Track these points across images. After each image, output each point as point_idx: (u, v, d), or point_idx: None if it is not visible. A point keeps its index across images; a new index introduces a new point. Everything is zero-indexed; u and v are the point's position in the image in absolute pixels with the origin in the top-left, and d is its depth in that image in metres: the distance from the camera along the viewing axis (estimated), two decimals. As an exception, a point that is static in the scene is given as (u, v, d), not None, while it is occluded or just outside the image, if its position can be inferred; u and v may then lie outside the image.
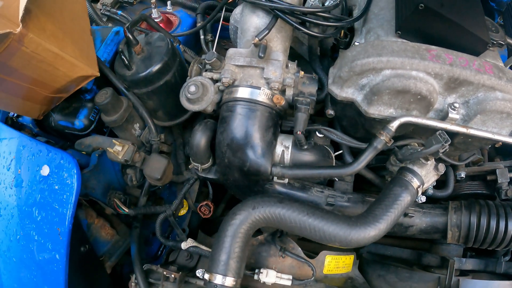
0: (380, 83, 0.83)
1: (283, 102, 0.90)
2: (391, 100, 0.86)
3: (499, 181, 1.14)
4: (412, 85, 0.83)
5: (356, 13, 1.06)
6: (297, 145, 0.91)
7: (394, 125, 0.86)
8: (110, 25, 1.26)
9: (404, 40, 0.91)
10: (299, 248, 0.95)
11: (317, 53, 1.04)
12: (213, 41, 1.23)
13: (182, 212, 1.13)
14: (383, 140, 0.86)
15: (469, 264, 1.15)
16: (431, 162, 0.94)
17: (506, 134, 0.97)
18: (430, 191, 1.10)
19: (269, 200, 0.85)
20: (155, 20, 1.24)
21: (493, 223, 0.99)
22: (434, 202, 1.13)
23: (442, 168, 0.96)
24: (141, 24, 1.23)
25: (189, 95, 0.90)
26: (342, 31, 1.03)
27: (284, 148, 0.91)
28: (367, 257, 1.27)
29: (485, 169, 1.18)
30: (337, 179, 1.01)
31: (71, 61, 0.91)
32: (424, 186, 0.95)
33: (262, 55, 0.88)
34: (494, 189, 1.18)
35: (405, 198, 0.88)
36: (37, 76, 0.90)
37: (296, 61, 1.01)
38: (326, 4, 1.03)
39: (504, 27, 1.43)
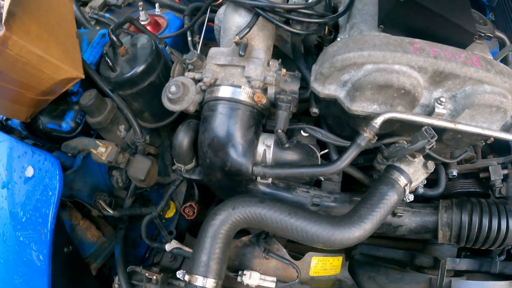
0: (362, 78, 0.78)
1: (264, 101, 0.85)
2: (374, 95, 0.80)
3: (492, 179, 1.07)
4: (395, 79, 0.77)
5: (341, 9, 1.01)
6: (279, 144, 0.86)
7: (378, 121, 0.80)
8: (98, 28, 1.24)
9: (387, 34, 0.85)
10: (284, 250, 0.90)
11: (301, 51, 1.00)
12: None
13: (170, 214, 1.09)
14: (366, 137, 0.80)
15: (463, 264, 1.08)
16: (419, 160, 0.88)
17: (496, 128, 0.90)
18: (421, 190, 1.04)
19: (249, 200, 0.80)
20: (143, 22, 1.22)
21: (485, 222, 0.92)
22: (426, 201, 1.07)
23: (431, 165, 0.90)
24: (130, 27, 1.20)
25: (170, 95, 0.86)
26: (326, 28, 0.98)
27: (266, 147, 0.86)
28: (359, 259, 1.21)
29: (477, 167, 1.11)
30: (322, 179, 0.95)
31: (55, 64, 0.88)
32: (412, 185, 0.89)
33: (243, 54, 0.84)
34: (487, 187, 1.11)
35: (392, 197, 0.82)
36: (22, 78, 0.88)
37: (280, 59, 0.97)
38: (309, 0, 0.99)
39: (495, 23, 1.36)
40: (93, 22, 1.25)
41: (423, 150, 0.81)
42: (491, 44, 1.37)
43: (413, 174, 0.88)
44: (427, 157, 0.95)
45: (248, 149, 0.85)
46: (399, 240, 1.24)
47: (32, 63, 0.84)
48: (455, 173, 1.10)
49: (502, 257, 1.09)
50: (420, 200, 1.05)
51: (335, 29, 1.02)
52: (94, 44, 1.05)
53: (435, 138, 0.79)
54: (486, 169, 1.09)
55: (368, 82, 0.77)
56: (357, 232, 0.78)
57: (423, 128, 0.80)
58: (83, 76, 0.93)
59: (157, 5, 1.30)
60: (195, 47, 1.21)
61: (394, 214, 0.95)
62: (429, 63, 0.79)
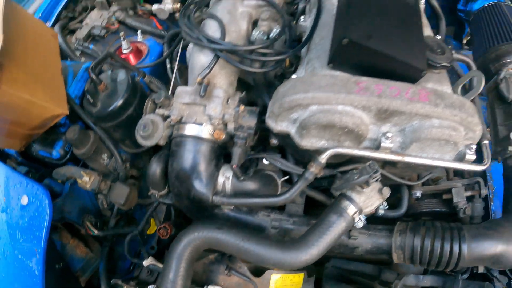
0: (307, 118, 0.87)
1: (223, 137, 0.96)
2: (320, 133, 0.89)
3: (454, 201, 1.13)
4: (337, 120, 0.85)
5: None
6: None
7: (324, 157, 0.89)
8: (83, 59, 1.37)
9: (337, 72, 0.92)
10: (245, 268, 1.03)
11: (262, 84, 1.08)
12: (180, 69, 1.30)
13: (152, 231, 1.24)
14: (313, 171, 0.90)
15: (427, 281, 1.16)
16: (372, 188, 0.96)
17: (450, 158, 0.96)
18: (381, 212, 1.11)
19: (209, 227, 0.93)
20: (125, 51, 1.34)
21: (437, 246, 0.99)
22: (392, 221, 1.14)
23: (386, 192, 0.97)
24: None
25: (141, 132, 0.99)
26: (288, 61, 1.06)
27: (225, 178, 0.98)
28: (330, 272, 1.31)
29: (441, 188, 1.17)
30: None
31: (42, 104, 1.03)
32: (366, 210, 0.97)
33: (203, 94, 0.95)
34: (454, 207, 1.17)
35: (339, 225, 0.91)
36: (13, 118, 1.03)
37: (244, 92, 1.07)
38: (271, 34, 1.07)
39: (471, 37, 1.37)
40: (78, 53, 1.38)
41: (368, 183, 0.89)
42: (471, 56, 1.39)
43: (365, 201, 0.96)
44: (388, 179, 1.03)
45: (209, 181, 0.97)
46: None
47: (21, 106, 0.99)
48: (418, 194, 1.16)
49: (465, 276, 1.15)
50: (382, 221, 1.12)
51: (299, 59, 1.10)
52: (79, 77, 1.19)
53: (378, 173, 0.87)
54: (450, 191, 1.15)
55: (312, 122, 0.86)
56: (303, 257, 0.88)
57: (367, 164, 0.88)
58: (67, 112, 1.08)
59: (139, 32, 1.42)
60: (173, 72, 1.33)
61: (349, 236, 1.05)
62: (372, 102, 0.86)
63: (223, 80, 1.02)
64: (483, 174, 1.39)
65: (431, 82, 0.99)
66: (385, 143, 0.90)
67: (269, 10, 1.10)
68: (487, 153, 1.02)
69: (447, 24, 1.46)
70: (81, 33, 1.37)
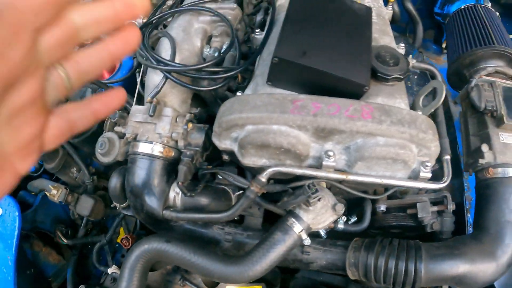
0: (243, 138, 0.91)
1: (171, 154, 1.04)
2: (258, 152, 0.93)
3: (419, 216, 1.13)
4: (271, 140, 0.88)
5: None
6: (187, 191, 1.04)
7: (264, 175, 0.94)
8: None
9: (277, 90, 0.96)
10: (200, 279, 1.10)
11: (215, 98, 1.14)
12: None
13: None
14: (253, 190, 0.94)
15: (393, 296, 1.17)
16: (322, 204, 0.98)
17: (403, 176, 0.96)
18: (341, 226, 1.14)
19: (158, 240, 1.01)
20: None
21: (391, 265, 1.00)
22: (360, 235, 1.15)
23: (339, 208, 0.99)
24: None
25: (99, 150, 1.09)
26: (239, 76, 1.11)
27: (175, 194, 1.05)
28: (299, 281, 1.35)
29: (406, 202, 1.17)
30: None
31: None
32: (319, 227, 1.00)
33: (152, 114, 1.02)
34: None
35: (285, 243, 0.95)
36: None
37: (199, 108, 1.13)
38: (222, 50, 1.12)
39: (446, 40, 1.34)
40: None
41: (309, 203, 0.92)
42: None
43: (315, 218, 0.98)
44: (350, 193, 1.04)
45: (160, 196, 1.05)
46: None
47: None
48: (383, 208, 1.17)
49: (433, 293, 1.15)
50: (343, 235, 1.15)
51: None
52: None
53: (318, 193, 0.90)
54: (415, 205, 1.15)
55: (247, 142, 0.90)
56: (245, 274, 0.94)
57: (306, 184, 0.91)
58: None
59: (113, 46, 1.51)
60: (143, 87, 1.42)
61: (302, 252, 1.08)
62: (307, 121, 0.88)
63: (174, 98, 1.09)
64: (460, 184, 1.36)
65: (381, 96, 0.99)
66: (327, 162, 0.92)
67: (222, 26, 1.15)
68: (447, 170, 1.01)
69: (427, 28, 1.42)
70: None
